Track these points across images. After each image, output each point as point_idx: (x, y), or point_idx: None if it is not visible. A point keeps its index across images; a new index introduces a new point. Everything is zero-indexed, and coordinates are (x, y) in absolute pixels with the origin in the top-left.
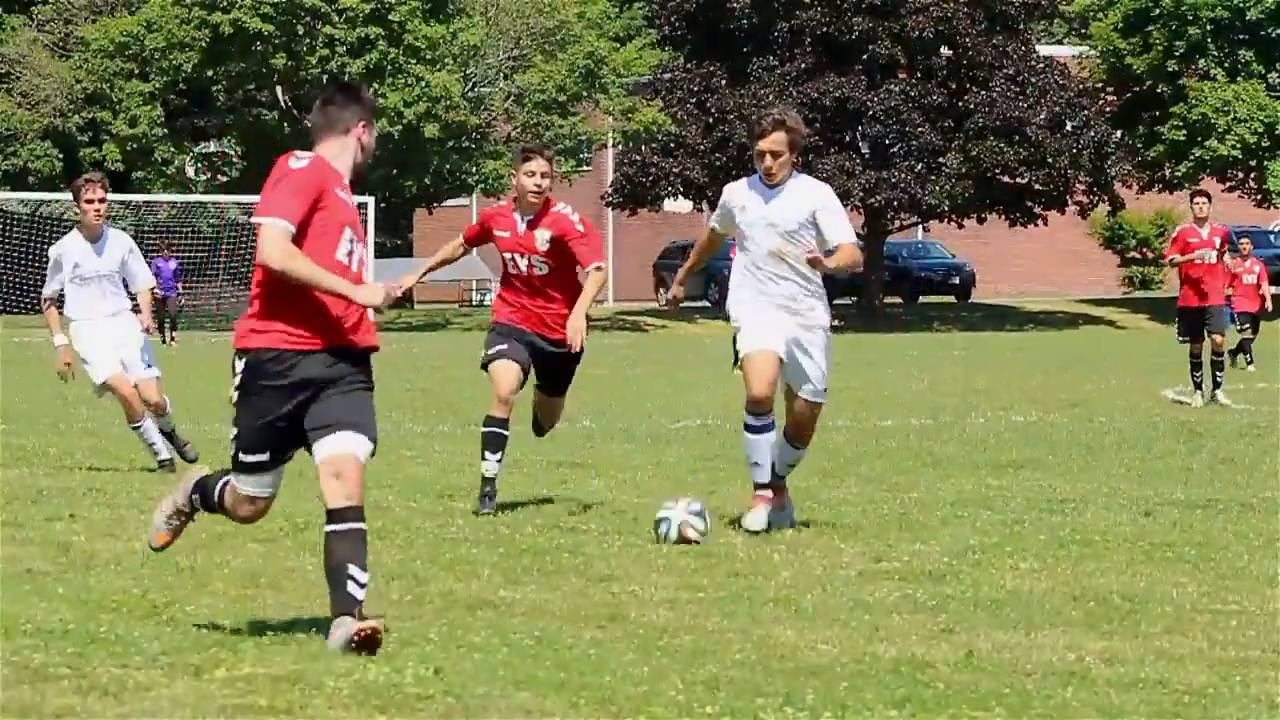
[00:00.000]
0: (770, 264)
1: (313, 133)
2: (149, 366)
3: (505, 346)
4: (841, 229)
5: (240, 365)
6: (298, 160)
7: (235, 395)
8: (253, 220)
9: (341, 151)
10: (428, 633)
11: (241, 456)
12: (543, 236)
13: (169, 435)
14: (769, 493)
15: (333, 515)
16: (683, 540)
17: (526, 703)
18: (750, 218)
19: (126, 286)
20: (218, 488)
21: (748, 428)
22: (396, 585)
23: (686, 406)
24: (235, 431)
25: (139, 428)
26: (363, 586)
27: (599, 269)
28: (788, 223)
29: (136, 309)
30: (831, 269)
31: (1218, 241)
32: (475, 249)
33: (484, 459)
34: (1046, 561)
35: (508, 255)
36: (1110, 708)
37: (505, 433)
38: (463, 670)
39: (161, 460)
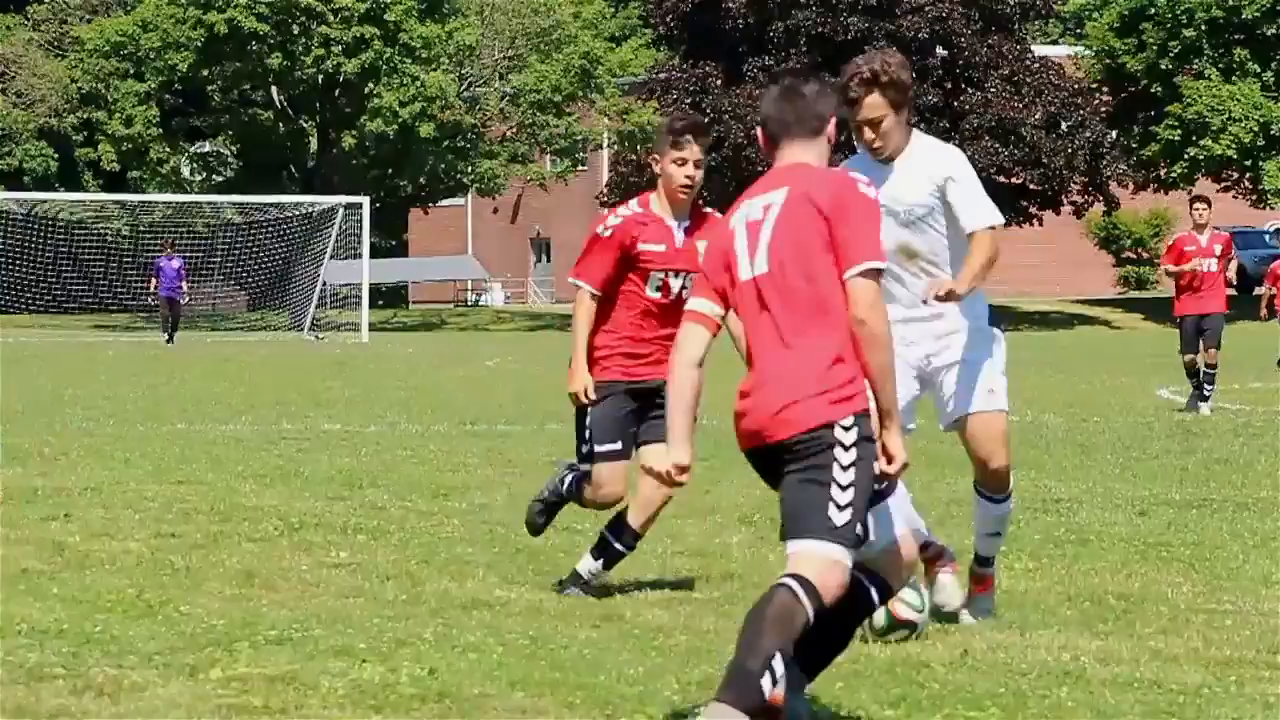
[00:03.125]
0: (897, 260)
1: (772, 132)
2: None
3: (618, 445)
4: (980, 208)
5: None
6: (866, 186)
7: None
8: (863, 266)
9: (818, 158)
10: (423, 633)
11: None
12: (704, 249)
13: None
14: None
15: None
16: (898, 623)
17: (522, 703)
18: None
19: None
20: None
21: None
22: (392, 585)
23: None
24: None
25: None
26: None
27: None
28: (910, 208)
29: None
30: (964, 292)
31: (1217, 249)
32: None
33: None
34: (1041, 561)
35: (657, 274)
36: (1105, 708)
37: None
38: (458, 670)
39: None
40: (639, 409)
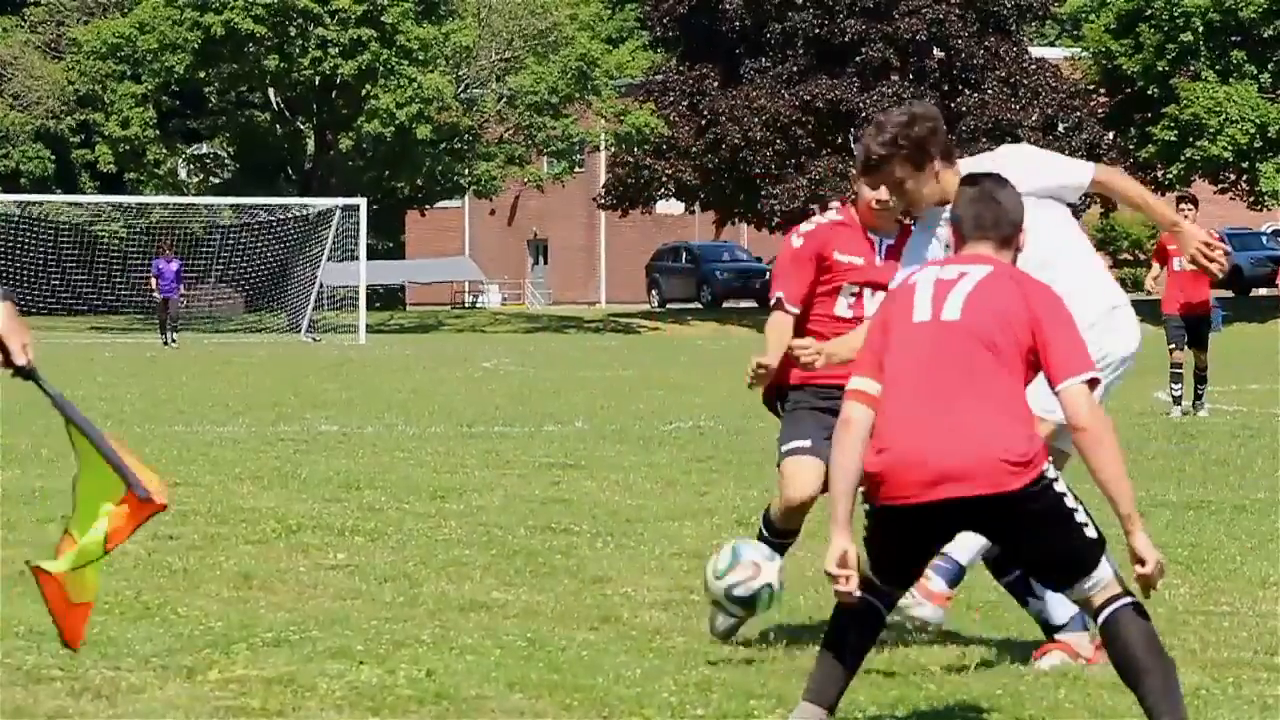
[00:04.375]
0: None
1: (965, 231)
2: None
3: (808, 443)
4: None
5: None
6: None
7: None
8: (1086, 376)
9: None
10: (420, 634)
11: None
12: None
13: None
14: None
15: None
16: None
17: (519, 704)
18: None
19: None
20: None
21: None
22: (389, 587)
23: (679, 408)
24: None
25: None
26: None
27: None
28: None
29: None
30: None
31: None
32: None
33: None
34: None
35: (850, 289)
36: (1103, 709)
37: (788, 542)
38: (455, 672)
39: None
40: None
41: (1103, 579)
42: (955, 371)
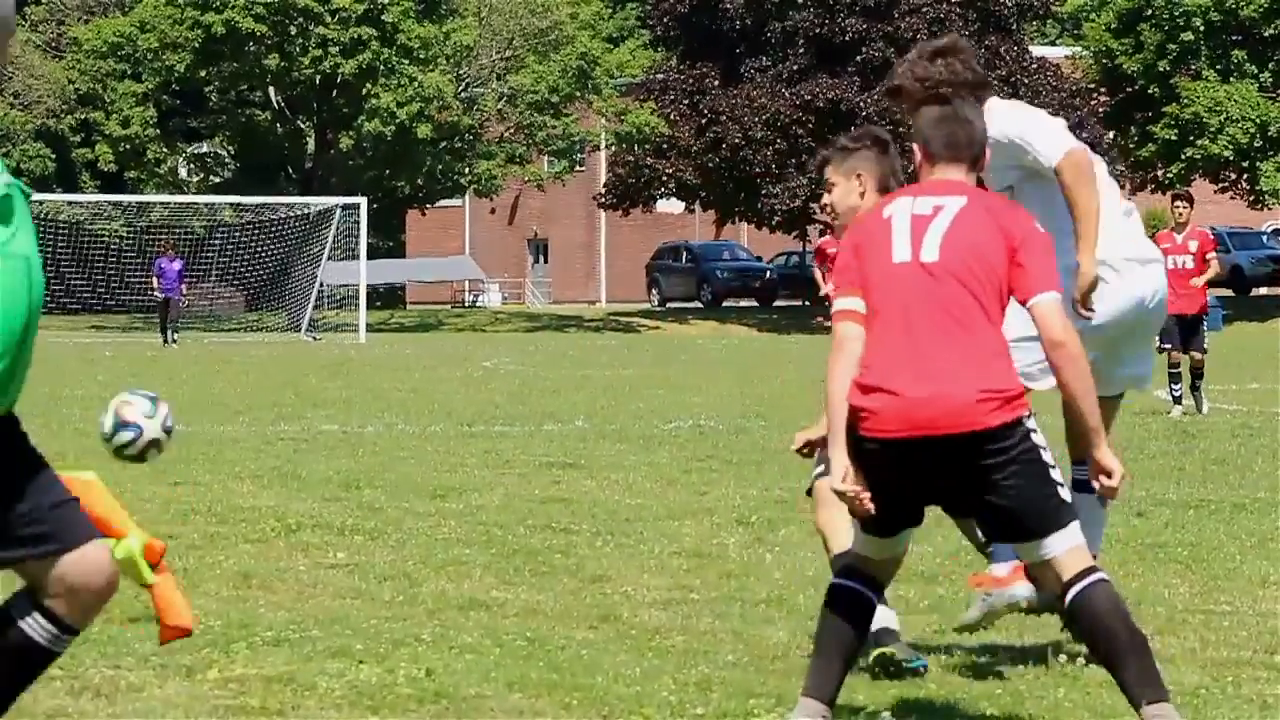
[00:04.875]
0: None
1: (935, 151)
2: None
3: (821, 468)
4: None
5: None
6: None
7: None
8: (1055, 293)
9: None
10: (420, 633)
11: None
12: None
13: None
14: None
15: None
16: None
17: (519, 704)
18: None
19: None
20: None
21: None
22: (389, 586)
23: (679, 407)
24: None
25: None
26: None
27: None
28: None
29: None
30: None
31: (1192, 246)
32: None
33: None
34: None
35: None
36: (1102, 708)
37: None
38: (455, 671)
39: None
40: None
41: (1069, 545)
42: (937, 313)
